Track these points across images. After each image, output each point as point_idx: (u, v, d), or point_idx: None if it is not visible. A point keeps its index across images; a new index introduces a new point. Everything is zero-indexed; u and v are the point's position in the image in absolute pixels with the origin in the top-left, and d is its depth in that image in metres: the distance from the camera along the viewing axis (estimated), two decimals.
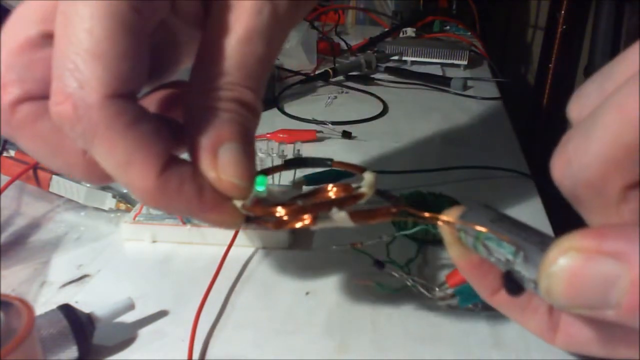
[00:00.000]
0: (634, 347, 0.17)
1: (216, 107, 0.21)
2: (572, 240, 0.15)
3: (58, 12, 0.20)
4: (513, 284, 0.17)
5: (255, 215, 0.23)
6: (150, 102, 0.26)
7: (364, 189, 0.23)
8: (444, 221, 0.20)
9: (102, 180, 0.23)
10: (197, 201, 0.21)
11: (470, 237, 0.19)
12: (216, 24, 0.22)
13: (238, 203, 0.23)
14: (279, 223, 0.22)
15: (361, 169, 0.25)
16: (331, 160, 0.27)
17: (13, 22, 0.22)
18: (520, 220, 0.18)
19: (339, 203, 0.22)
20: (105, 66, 0.19)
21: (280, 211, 0.22)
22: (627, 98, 0.14)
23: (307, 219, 0.22)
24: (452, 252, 0.21)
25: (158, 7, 0.21)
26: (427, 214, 0.20)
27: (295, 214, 0.22)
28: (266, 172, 0.26)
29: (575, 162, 0.16)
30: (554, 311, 0.20)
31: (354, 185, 0.24)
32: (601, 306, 0.14)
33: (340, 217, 0.21)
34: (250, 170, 0.22)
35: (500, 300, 0.22)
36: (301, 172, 0.47)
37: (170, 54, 0.26)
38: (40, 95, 0.21)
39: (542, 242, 0.16)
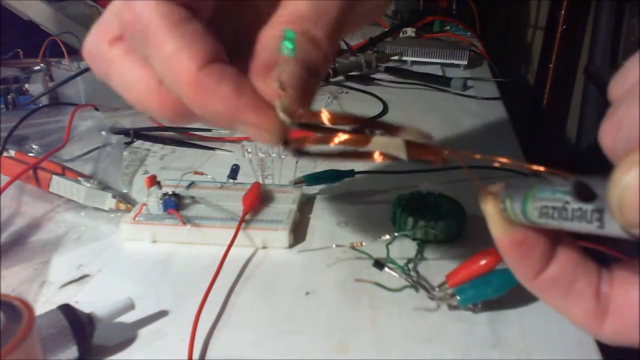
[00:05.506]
0: None
1: (282, 37, 0.23)
2: None
3: None
4: (585, 189, 0.16)
5: (299, 121, 0.22)
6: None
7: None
8: (488, 192, 0.20)
9: (175, 114, 0.24)
10: (235, 99, 0.22)
11: (518, 203, 0.18)
12: None
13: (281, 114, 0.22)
14: (324, 139, 0.21)
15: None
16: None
17: None
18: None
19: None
20: None
21: (325, 113, 0.21)
22: None
23: (355, 138, 0.20)
24: (495, 228, 0.20)
25: None
26: (476, 182, 0.20)
27: (342, 120, 0.21)
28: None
29: (626, 123, 0.16)
30: (603, 294, 0.19)
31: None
32: None
33: (395, 144, 0.20)
34: (301, 88, 0.23)
35: (542, 284, 0.20)
36: (300, 172, 0.47)
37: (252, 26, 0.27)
38: None
39: (597, 176, 0.15)
